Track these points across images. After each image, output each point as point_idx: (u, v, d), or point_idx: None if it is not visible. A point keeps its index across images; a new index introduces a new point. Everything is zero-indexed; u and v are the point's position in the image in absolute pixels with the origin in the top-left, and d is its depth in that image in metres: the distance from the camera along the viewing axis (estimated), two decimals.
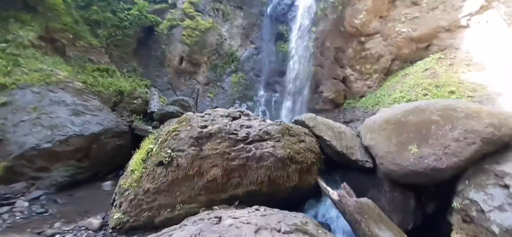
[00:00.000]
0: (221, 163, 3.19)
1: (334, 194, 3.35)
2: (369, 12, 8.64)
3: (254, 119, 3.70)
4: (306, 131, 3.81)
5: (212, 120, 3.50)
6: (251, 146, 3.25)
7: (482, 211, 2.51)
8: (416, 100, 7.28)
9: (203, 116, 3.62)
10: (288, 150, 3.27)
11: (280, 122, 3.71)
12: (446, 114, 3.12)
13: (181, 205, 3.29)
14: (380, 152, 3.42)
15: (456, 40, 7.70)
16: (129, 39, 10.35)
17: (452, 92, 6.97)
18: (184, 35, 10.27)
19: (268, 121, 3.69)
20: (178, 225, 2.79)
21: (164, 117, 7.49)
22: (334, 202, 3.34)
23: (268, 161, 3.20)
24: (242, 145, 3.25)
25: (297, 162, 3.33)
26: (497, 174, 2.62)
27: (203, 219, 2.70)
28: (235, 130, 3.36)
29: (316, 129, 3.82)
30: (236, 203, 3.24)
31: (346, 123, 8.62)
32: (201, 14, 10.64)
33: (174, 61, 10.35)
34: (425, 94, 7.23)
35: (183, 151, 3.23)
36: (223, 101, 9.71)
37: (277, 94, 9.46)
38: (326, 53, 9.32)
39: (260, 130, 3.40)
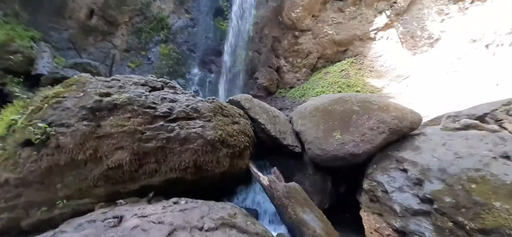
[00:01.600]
0: (131, 145, 2.35)
1: (264, 179, 3.11)
2: (304, 9, 8.94)
3: (182, 93, 2.96)
4: (241, 112, 3.39)
5: (121, 86, 2.55)
6: (174, 125, 2.54)
7: (386, 191, 2.77)
8: None
9: (107, 81, 2.60)
10: (219, 132, 2.76)
11: (213, 99, 3.12)
12: (364, 106, 3.34)
13: (64, 201, 2.27)
14: (309, 137, 3.40)
15: (365, 49, 8.99)
16: None
17: (358, 91, 8.17)
18: None
19: (199, 97, 3.05)
20: (52, 232, 1.85)
21: (56, 83, 5.49)
22: (264, 187, 3.11)
23: (195, 144, 2.60)
24: (162, 123, 2.50)
25: (229, 146, 2.86)
26: (398, 159, 2.96)
27: (94, 221, 1.87)
28: (154, 102, 2.54)
29: (252, 111, 3.46)
30: (150, 195, 2.50)
31: None
32: None
33: (80, 13, 7.83)
34: (340, 91, 8.16)
35: (68, 126, 2.18)
36: (148, 74, 8.13)
37: (212, 75, 8.69)
38: (264, 40, 9.16)
39: (188, 106, 2.72)
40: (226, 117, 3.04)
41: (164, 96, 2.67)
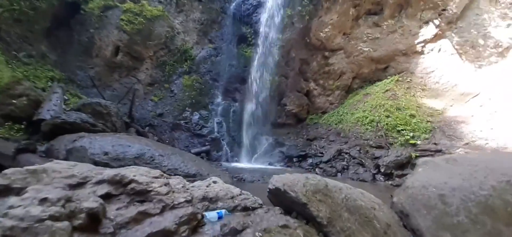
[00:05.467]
0: None
1: None
2: (334, 27, 6.62)
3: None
4: None
5: None
6: None
7: None
8: (379, 120, 5.56)
9: None
10: None
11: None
12: None
13: None
14: None
15: (411, 65, 6.34)
16: (38, 13, 5.89)
17: (412, 116, 5.45)
18: (123, 20, 6.37)
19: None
20: None
21: (57, 130, 3.69)
22: None
23: None
24: None
25: None
26: None
27: None
28: None
29: (337, 229, 1.16)
30: None
31: (309, 140, 6.42)
32: None
33: (106, 51, 6.35)
34: (388, 116, 5.53)
35: None
36: (171, 107, 6.29)
37: (236, 104, 6.60)
38: (291, 64, 6.94)
39: None
40: None
41: None
